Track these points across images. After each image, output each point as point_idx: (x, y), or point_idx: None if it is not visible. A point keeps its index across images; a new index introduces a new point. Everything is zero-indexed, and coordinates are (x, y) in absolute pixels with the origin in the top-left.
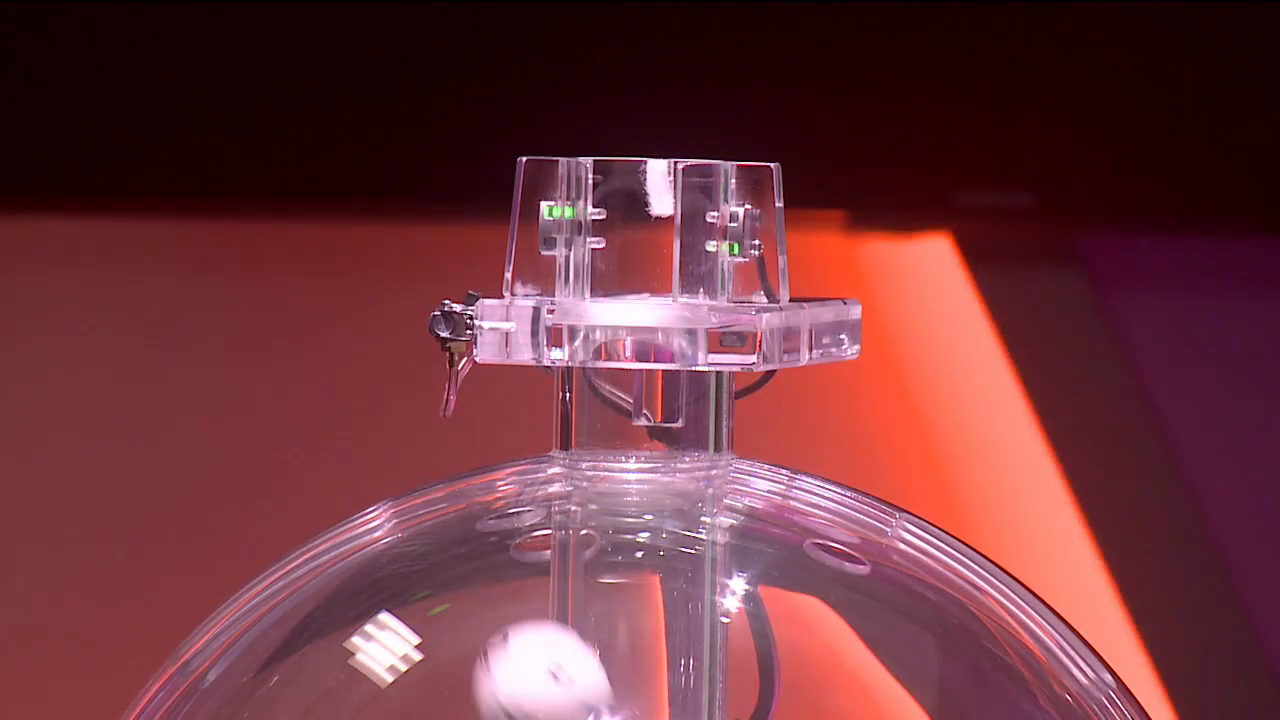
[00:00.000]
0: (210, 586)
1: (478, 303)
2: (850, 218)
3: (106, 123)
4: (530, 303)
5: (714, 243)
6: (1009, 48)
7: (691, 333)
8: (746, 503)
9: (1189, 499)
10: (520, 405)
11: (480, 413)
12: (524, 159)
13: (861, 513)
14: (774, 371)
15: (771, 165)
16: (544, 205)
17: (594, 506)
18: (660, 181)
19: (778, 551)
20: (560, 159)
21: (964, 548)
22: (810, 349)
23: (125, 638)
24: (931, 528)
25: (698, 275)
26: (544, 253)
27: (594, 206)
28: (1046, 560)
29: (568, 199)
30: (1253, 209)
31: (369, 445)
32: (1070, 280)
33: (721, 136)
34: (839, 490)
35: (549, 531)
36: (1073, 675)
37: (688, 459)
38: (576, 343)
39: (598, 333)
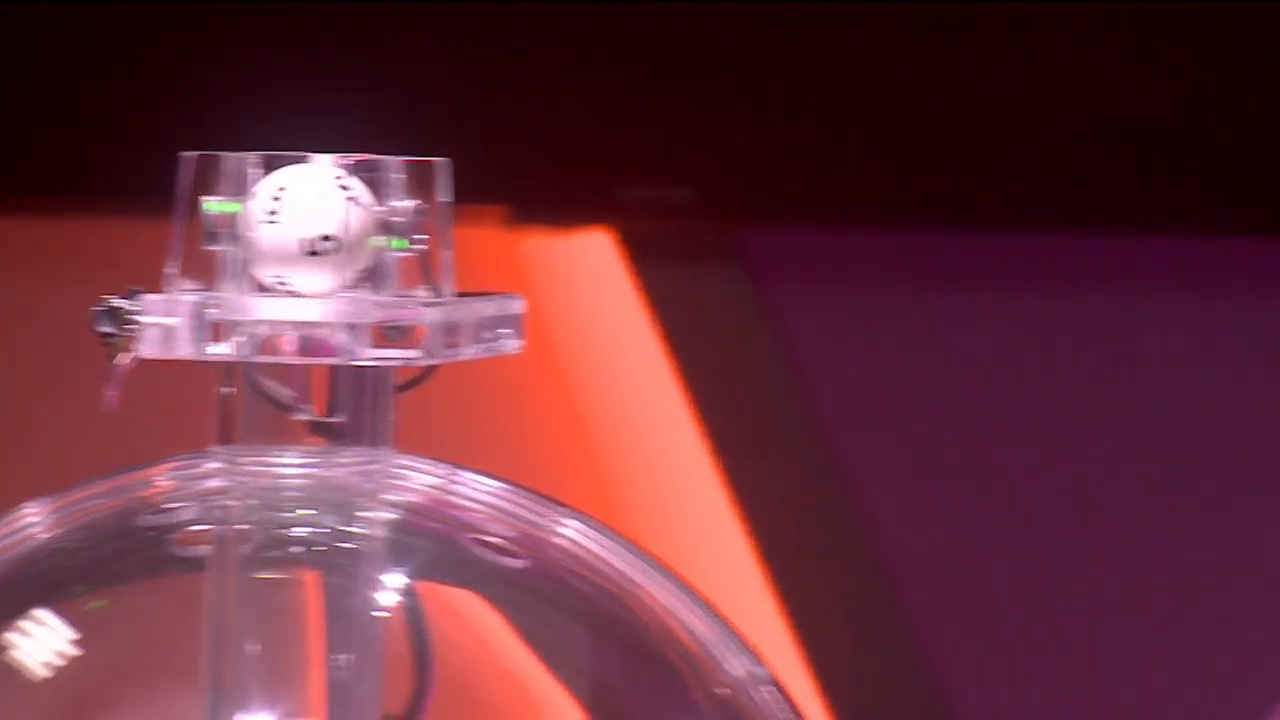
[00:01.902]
0: None
1: (140, 297)
2: (511, 212)
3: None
4: (193, 298)
5: (379, 237)
6: (668, 48)
7: (353, 327)
8: (406, 498)
9: (847, 494)
10: (188, 400)
11: (144, 408)
12: (189, 154)
13: (520, 508)
14: (436, 366)
15: (438, 161)
16: (208, 200)
17: (253, 502)
18: None
19: (435, 546)
20: (225, 154)
21: (622, 542)
22: (472, 343)
23: None
24: (590, 522)
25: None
26: (207, 248)
27: None
28: (703, 556)
29: (233, 194)
30: (1058, 206)
31: (27, 441)
32: (731, 275)
33: (390, 131)
34: (499, 485)
35: (208, 527)
36: (726, 669)
37: (348, 454)
38: (239, 337)
39: (261, 327)
